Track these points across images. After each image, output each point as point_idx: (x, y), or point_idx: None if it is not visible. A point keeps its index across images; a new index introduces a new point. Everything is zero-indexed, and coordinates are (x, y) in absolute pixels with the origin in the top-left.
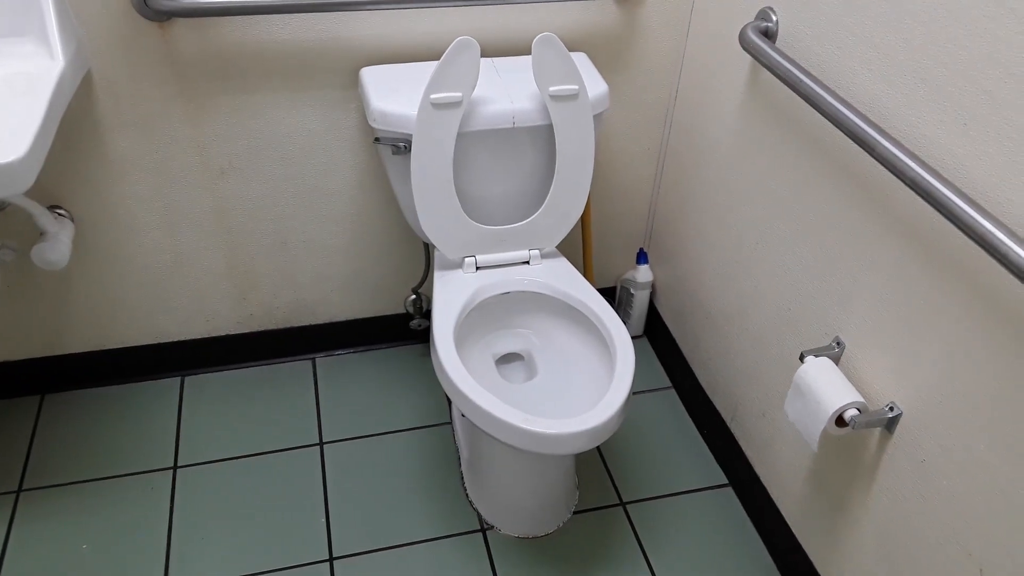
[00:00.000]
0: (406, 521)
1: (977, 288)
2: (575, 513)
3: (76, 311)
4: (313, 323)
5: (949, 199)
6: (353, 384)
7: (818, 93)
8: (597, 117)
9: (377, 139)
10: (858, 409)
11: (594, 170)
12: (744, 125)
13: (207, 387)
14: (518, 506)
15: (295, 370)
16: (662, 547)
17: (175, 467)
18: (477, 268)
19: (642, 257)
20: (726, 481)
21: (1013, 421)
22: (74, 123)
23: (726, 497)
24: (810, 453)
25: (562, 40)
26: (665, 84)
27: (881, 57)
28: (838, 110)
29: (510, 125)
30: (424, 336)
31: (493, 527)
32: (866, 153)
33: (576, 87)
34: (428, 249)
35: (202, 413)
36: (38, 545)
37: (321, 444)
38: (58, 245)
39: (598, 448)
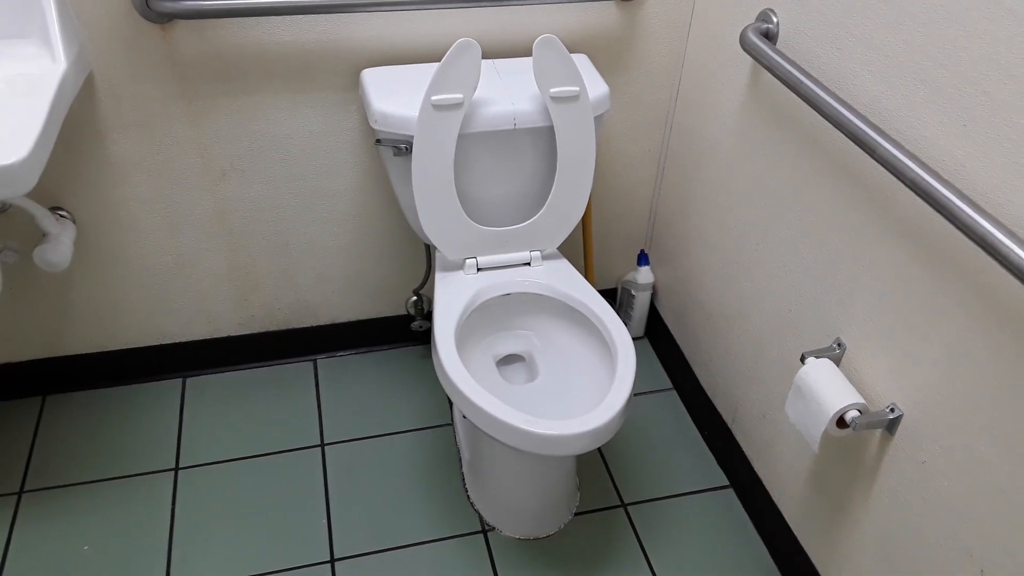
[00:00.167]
0: (407, 522)
1: (977, 289)
2: (576, 514)
3: (78, 312)
4: (314, 324)
5: (949, 200)
6: (354, 385)
7: (818, 95)
8: (598, 119)
9: (378, 141)
10: (859, 410)
11: (595, 171)
12: (745, 126)
13: (209, 388)
14: (519, 507)
15: (296, 371)
16: (663, 548)
17: (176, 468)
18: (478, 269)
19: (643, 258)
20: (727, 482)
21: (1013, 421)
22: (76, 125)
23: (727, 498)
24: (811, 454)
25: (563, 42)
26: (666, 85)
27: (881, 59)
28: (838, 111)
29: (511, 127)
30: (425, 337)
31: (494, 528)
32: (866, 154)
33: (577, 89)
34: (429, 250)
35: (204, 414)
36: (40, 546)
37: (322, 445)
38: (60, 246)
39: (599, 449)
